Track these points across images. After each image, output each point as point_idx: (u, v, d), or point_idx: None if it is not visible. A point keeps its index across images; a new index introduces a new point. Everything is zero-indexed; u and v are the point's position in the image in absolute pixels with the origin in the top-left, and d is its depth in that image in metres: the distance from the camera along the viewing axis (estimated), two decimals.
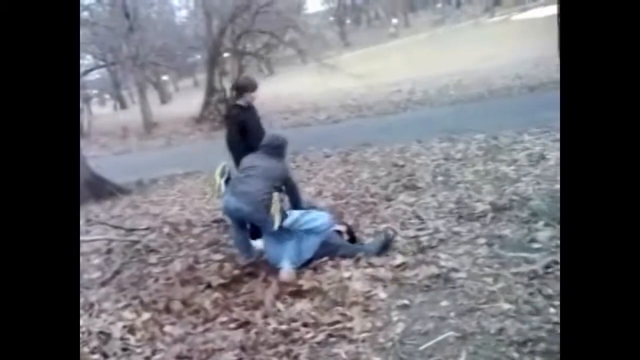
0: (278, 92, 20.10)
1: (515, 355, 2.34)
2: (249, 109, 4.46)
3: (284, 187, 3.90)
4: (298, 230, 3.75)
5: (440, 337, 2.64)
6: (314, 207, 4.41)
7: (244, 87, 4.43)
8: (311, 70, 19.16)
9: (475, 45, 22.67)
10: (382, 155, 7.32)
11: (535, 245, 3.43)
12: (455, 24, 32.27)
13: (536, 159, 5.50)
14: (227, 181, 4.07)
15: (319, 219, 3.81)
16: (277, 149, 3.98)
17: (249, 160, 3.97)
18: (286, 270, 3.56)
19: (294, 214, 3.81)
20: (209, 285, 3.60)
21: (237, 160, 4.32)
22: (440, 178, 5.56)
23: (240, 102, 4.42)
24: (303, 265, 3.68)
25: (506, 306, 2.76)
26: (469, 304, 2.89)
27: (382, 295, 3.18)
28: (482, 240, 3.70)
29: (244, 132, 4.39)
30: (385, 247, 3.77)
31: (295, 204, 4.03)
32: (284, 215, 3.73)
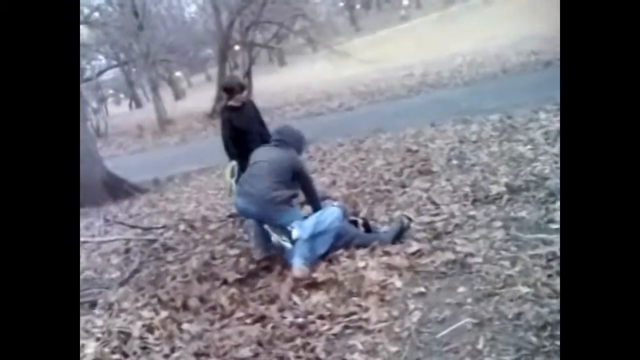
0: (289, 82, 20.06)
1: (534, 339, 2.30)
2: (241, 108, 4.42)
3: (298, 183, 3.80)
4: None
5: (457, 324, 2.60)
6: (327, 197, 4.39)
7: (230, 89, 4.40)
8: (322, 58, 19.07)
9: (488, 22, 22.24)
10: (395, 141, 7.24)
11: (553, 226, 3.35)
12: (466, 2, 31.64)
13: (553, 137, 5.36)
14: (237, 181, 4.07)
15: (329, 218, 3.65)
16: (285, 140, 3.86)
17: (255, 155, 3.92)
18: (298, 268, 3.50)
19: (303, 226, 3.62)
20: (225, 281, 3.61)
21: (234, 160, 4.39)
22: (454, 161, 5.47)
23: (232, 102, 4.39)
24: (318, 258, 3.66)
25: (524, 290, 2.70)
26: (486, 289, 2.84)
27: (398, 284, 3.15)
28: (498, 223, 3.64)
29: (238, 133, 4.37)
30: (400, 235, 3.73)
31: (311, 202, 3.94)
32: (287, 232, 3.68)
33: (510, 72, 12.01)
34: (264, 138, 4.44)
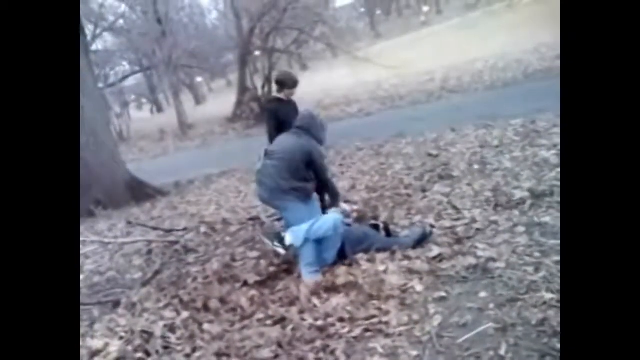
0: (309, 88, 20.10)
1: (558, 346, 2.26)
2: (288, 102, 4.49)
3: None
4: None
5: (479, 329, 2.57)
6: (346, 201, 4.38)
7: (282, 83, 4.47)
8: (342, 64, 19.09)
9: (509, 28, 22.00)
10: (415, 146, 7.21)
11: None
12: (487, 7, 31.37)
13: None
14: None
15: (324, 225, 3.53)
16: (304, 128, 3.78)
17: (274, 143, 3.89)
18: (306, 278, 3.48)
19: (296, 232, 3.58)
20: (245, 283, 3.63)
21: None
22: (476, 166, 5.42)
23: (281, 95, 4.46)
24: (339, 260, 3.66)
25: (548, 296, 2.66)
26: (508, 295, 2.81)
27: (419, 288, 3.12)
28: (521, 229, 3.59)
29: (282, 125, 4.42)
30: (421, 242, 3.70)
31: (327, 192, 3.91)
32: (279, 238, 3.66)
33: (532, 77, 11.86)
34: None
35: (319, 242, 3.56)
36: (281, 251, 3.67)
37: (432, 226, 3.96)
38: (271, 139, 4.54)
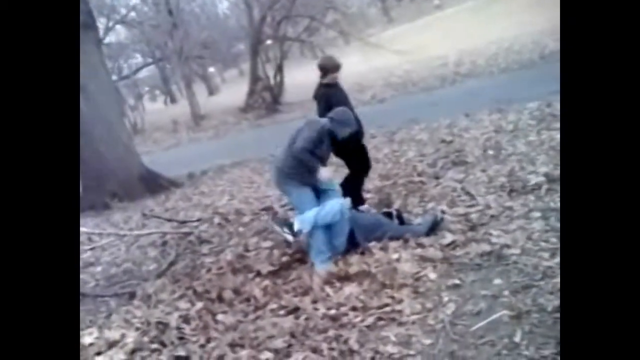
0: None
1: None
2: (335, 86, 4.47)
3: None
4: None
5: (493, 317, 2.55)
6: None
7: (324, 68, 4.44)
8: (354, 50, 18.89)
9: (524, 9, 21.51)
10: (429, 132, 7.13)
11: None
12: None
13: None
14: None
15: (330, 212, 3.51)
16: (331, 117, 3.75)
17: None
18: (318, 269, 3.46)
19: (303, 218, 3.57)
20: (258, 273, 3.64)
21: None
22: (490, 152, 5.34)
23: (327, 80, 4.43)
24: (352, 248, 3.64)
25: None
26: (523, 281, 2.77)
27: (432, 275, 3.10)
28: (536, 214, 3.53)
29: (330, 109, 4.43)
30: (434, 228, 3.67)
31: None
32: (288, 224, 3.66)
33: (548, 59, 11.60)
34: (356, 117, 4.36)
35: (328, 229, 3.54)
36: (289, 238, 3.67)
37: (443, 212, 3.92)
38: None
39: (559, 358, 2.12)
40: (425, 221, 3.76)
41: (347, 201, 3.71)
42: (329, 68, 4.43)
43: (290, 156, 3.60)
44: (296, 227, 3.61)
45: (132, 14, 21.01)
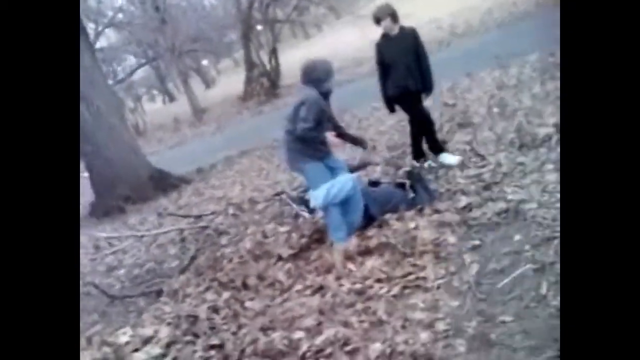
0: (317, 54, 19.80)
1: None
2: (393, 38, 4.24)
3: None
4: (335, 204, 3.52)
5: (517, 272, 2.56)
6: (368, 163, 4.36)
7: (375, 18, 4.25)
8: (347, 25, 18.66)
9: None
10: (431, 97, 7.03)
11: None
12: None
13: None
14: None
15: (344, 188, 3.47)
16: (308, 80, 3.55)
17: None
18: (336, 246, 3.43)
19: (315, 194, 3.52)
20: (280, 257, 3.68)
21: (386, 99, 4.52)
22: (495, 109, 5.29)
23: (385, 31, 4.27)
24: (368, 222, 3.66)
25: None
26: (543, 234, 2.77)
27: (452, 239, 3.11)
28: (549, 166, 3.52)
29: (383, 64, 4.31)
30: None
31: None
32: (304, 201, 3.60)
33: (545, 6, 11.37)
34: (411, 72, 4.22)
35: (342, 205, 3.52)
36: (306, 214, 3.67)
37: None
38: (380, 80, 4.46)
39: None
40: (434, 191, 3.76)
41: (356, 175, 3.69)
42: (379, 17, 4.21)
43: (296, 137, 3.53)
44: (312, 204, 3.58)
45: (120, 15, 20.87)
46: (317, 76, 3.53)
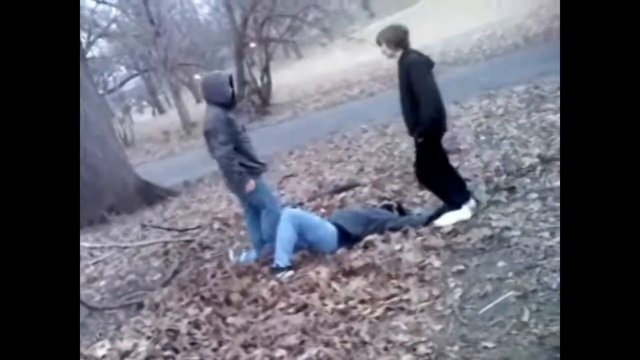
0: (308, 74, 20.04)
1: None
2: (399, 65, 3.76)
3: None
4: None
5: (500, 298, 2.59)
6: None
7: (377, 41, 3.82)
8: (338, 47, 18.93)
9: None
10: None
11: None
12: None
13: None
14: None
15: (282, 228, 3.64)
16: (208, 99, 3.72)
17: None
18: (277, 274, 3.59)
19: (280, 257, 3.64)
20: (264, 274, 3.67)
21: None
22: (483, 137, 5.40)
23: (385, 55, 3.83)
24: (353, 242, 3.68)
25: None
26: (526, 262, 2.82)
27: (436, 263, 3.14)
28: (533, 195, 3.58)
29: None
30: (434, 218, 3.70)
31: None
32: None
33: (533, 41, 11.70)
34: (405, 109, 3.67)
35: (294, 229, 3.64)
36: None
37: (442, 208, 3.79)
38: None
39: None
40: (427, 210, 3.80)
41: (297, 210, 3.88)
42: (376, 39, 3.78)
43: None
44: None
45: (113, 26, 20.90)
46: (213, 91, 3.64)
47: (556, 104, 5.57)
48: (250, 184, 3.69)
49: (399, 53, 3.73)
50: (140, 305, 3.77)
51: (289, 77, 23.03)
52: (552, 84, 6.52)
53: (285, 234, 3.60)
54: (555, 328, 2.22)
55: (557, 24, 12.31)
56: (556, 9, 14.00)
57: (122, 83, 24.58)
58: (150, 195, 8.01)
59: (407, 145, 6.12)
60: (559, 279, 2.52)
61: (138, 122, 28.39)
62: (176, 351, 2.93)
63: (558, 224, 3.05)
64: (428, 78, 3.63)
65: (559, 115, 5.14)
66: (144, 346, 2.98)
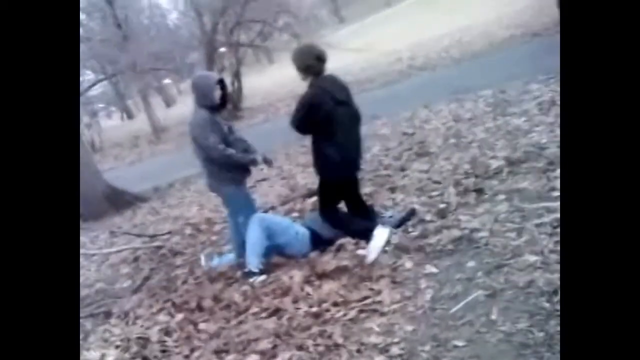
0: (280, 79, 20.03)
1: (547, 305, 2.33)
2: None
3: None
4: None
5: (469, 298, 2.64)
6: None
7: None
8: None
9: (470, 1, 22.15)
10: (391, 126, 7.26)
11: (555, 194, 3.38)
12: None
13: (547, 107, 5.39)
14: None
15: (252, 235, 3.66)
16: (195, 100, 3.76)
17: None
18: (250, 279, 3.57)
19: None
20: (236, 279, 3.64)
21: None
22: (452, 140, 5.49)
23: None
24: (326, 245, 3.69)
25: (532, 258, 2.74)
26: (494, 261, 2.88)
27: (408, 265, 3.18)
28: (501, 197, 3.67)
29: None
30: (405, 221, 3.74)
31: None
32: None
33: (498, 47, 12.00)
34: None
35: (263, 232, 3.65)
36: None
37: (413, 209, 3.93)
38: None
39: (533, 330, 2.22)
40: (397, 213, 3.84)
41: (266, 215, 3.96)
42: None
43: (212, 161, 3.68)
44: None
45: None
46: (199, 93, 3.69)
47: (520, 108, 5.73)
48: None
49: (309, 80, 3.44)
50: (108, 314, 3.69)
51: (261, 82, 22.99)
52: (516, 88, 6.70)
53: (253, 238, 3.59)
54: (522, 325, 2.28)
55: (520, 30, 12.69)
56: (518, 17, 14.45)
57: (89, 87, 23.99)
58: (119, 201, 7.85)
59: (378, 149, 6.19)
60: (526, 278, 2.59)
61: (106, 127, 27.83)
62: (147, 359, 2.87)
63: (524, 224, 3.14)
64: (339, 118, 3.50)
65: (523, 119, 5.29)
66: (112, 356, 2.92)
